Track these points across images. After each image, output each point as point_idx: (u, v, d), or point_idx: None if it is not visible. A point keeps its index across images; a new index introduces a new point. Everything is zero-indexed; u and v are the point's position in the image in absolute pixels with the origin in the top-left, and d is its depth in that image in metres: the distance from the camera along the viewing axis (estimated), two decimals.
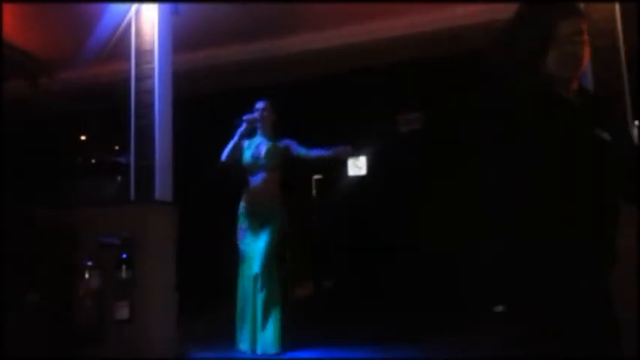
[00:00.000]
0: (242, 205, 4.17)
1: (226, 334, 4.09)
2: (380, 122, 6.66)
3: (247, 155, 4.16)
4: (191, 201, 4.41)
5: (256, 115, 4.17)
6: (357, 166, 7.12)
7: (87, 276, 3.36)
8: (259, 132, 4.23)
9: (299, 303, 4.85)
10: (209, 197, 6.03)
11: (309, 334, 4.46)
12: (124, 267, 3.40)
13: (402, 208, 6.44)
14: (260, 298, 3.84)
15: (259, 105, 4.21)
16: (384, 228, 6.48)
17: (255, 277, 3.87)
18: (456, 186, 6.04)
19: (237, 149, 4.16)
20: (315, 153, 4.10)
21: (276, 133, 4.26)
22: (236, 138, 4.14)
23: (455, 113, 6.22)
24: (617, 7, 3.42)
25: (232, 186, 4.30)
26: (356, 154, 3.95)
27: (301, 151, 4.12)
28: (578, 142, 1.52)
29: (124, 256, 3.43)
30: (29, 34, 5.11)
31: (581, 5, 1.98)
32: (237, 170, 4.20)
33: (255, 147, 4.17)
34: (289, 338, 3.95)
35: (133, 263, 3.44)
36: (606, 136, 1.53)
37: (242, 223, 4.12)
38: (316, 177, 8.20)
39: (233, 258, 4.15)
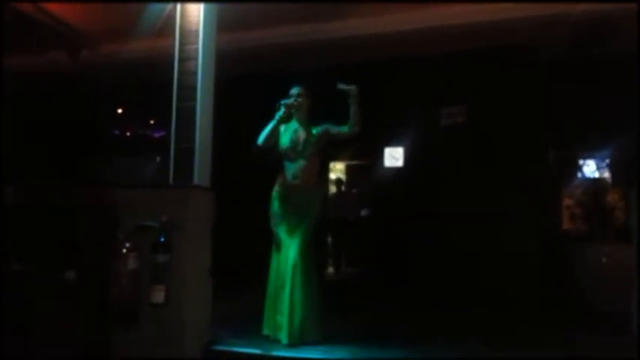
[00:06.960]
0: (276, 189, 4.12)
1: (257, 319, 4.06)
2: (422, 113, 6.51)
3: (284, 141, 4.10)
4: (225, 184, 4.36)
5: (293, 101, 4.09)
6: (394, 157, 6.99)
7: (124, 257, 3.34)
8: (295, 117, 4.15)
9: (331, 289, 4.78)
10: (243, 181, 6.01)
11: (344, 324, 4.43)
12: (161, 250, 3.39)
13: (437, 202, 6.32)
14: (299, 287, 3.80)
15: (294, 91, 4.14)
16: (416, 220, 6.38)
17: (294, 266, 3.83)
18: (496, 180, 5.92)
19: (274, 134, 4.10)
20: (348, 126, 4.00)
21: (310, 118, 4.18)
22: (274, 122, 4.07)
23: (498, 107, 6.07)
24: None
25: (267, 170, 4.24)
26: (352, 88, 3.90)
27: (336, 129, 4.06)
28: None
29: (162, 239, 3.41)
30: (72, 5, 5.09)
31: None
32: (273, 155, 4.14)
33: (293, 132, 4.10)
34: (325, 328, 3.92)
35: (171, 247, 3.42)
36: None
37: (276, 208, 4.08)
38: (348, 163, 8.12)
39: (266, 243, 4.12)
